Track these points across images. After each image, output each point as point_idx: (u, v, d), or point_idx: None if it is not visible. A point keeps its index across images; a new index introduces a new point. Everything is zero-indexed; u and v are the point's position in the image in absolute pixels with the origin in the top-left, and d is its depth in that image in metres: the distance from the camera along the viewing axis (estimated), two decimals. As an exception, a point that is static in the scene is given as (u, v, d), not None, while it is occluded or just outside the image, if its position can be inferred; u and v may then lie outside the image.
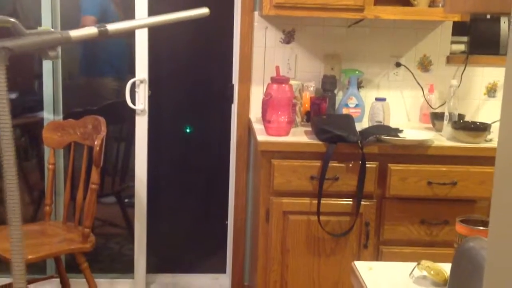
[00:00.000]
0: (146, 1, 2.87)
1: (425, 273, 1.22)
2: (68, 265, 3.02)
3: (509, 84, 0.62)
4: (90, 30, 1.30)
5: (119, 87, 3.17)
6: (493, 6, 0.77)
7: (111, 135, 3.31)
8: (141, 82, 2.96)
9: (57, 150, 2.94)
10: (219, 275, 3.26)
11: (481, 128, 2.51)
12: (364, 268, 1.28)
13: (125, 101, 2.97)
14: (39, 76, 3.12)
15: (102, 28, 1.29)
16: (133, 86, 2.98)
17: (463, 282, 0.88)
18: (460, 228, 1.19)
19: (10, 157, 1.18)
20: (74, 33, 1.26)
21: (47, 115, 3.08)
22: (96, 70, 3.63)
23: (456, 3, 0.92)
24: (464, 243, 0.89)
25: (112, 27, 1.32)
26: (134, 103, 2.99)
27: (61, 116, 3.10)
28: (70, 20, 3.26)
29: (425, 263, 1.23)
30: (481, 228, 1.16)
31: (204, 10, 1.55)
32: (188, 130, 3.54)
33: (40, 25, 3.02)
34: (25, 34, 1.21)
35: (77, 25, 3.34)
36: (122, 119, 3.31)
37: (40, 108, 3.12)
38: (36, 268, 3.04)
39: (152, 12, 2.90)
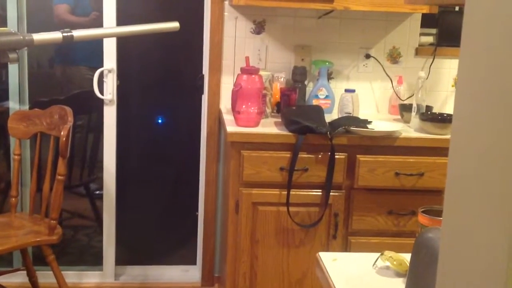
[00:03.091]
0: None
1: (388, 263, 1.24)
2: (36, 258, 2.97)
3: (463, 77, 0.62)
4: (54, 35, 1.28)
5: (89, 76, 3.12)
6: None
7: (79, 125, 3.27)
8: (109, 71, 2.92)
9: (23, 141, 2.89)
10: (189, 267, 3.24)
11: (448, 120, 2.54)
12: (328, 259, 1.28)
13: (93, 91, 2.92)
14: (5, 65, 3.05)
15: (67, 34, 1.27)
16: (101, 75, 2.94)
17: (421, 271, 0.89)
18: (422, 218, 1.20)
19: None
20: (37, 37, 1.24)
21: (13, 105, 3.02)
22: (65, 59, 3.57)
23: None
24: (423, 234, 0.90)
25: (78, 33, 1.30)
26: (102, 93, 2.95)
27: (27, 106, 3.04)
28: (41, 8, 3.20)
29: (388, 253, 1.24)
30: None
31: (174, 24, 1.54)
32: (158, 121, 3.51)
33: (6, 12, 2.96)
34: None
35: (49, 13, 3.28)
36: (90, 109, 3.26)
37: (6, 97, 3.05)
38: (2, 261, 2.99)
39: (120, 3, 2.86)
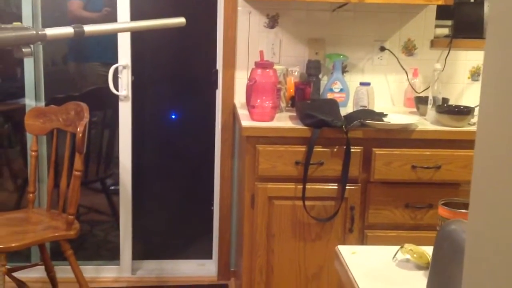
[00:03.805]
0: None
1: (408, 256, 1.23)
2: (53, 253, 3.00)
3: (488, 68, 0.61)
4: (66, 30, 1.31)
5: (103, 73, 3.14)
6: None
7: (95, 121, 3.29)
8: (124, 67, 2.93)
9: (40, 137, 2.92)
10: (205, 261, 3.26)
11: (465, 112, 2.52)
12: (348, 252, 1.28)
13: (108, 87, 2.93)
14: (21, 63, 3.08)
15: (79, 29, 1.30)
16: (116, 72, 2.95)
17: (444, 264, 0.88)
18: (442, 211, 1.19)
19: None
20: (50, 32, 1.27)
21: (29, 102, 3.04)
22: (80, 56, 3.58)
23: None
24: (446, 226, 0.90)
25: (88, 28, 1.32)
26: (117, 89, 2.96)
27: (43, 103, 3.06)
28: (56, 6, 3.22)
29: (408, 246, 1.23)
30: (464, 211, 1.16)
31: (180, 20, 1.57)
32: (173, 116, 3.52)
33: (21, 10, 2.98)
34: None
35: (64, 11, 3.30)
36: (105, 105, 3.27)
37: (22, 94, 3.08)
38: (20, 256, 3.02)
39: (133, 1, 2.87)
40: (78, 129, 2.45)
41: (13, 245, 2.36)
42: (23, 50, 1.24)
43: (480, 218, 0.62)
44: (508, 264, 0.56)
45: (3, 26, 1.22)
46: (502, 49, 0.60)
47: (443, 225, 0.92)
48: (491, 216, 0.60)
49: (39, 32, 1.25)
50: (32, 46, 1.26)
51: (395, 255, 1.25)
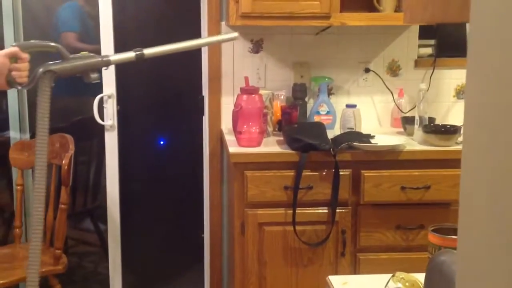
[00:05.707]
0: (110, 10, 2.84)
1: (400, 285, 1.21)
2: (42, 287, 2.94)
3: (470, 89, 0.60)
4: (128, 55, 1.43)
5: (89, 103, 3.11)
6: (451, 16, 0.76)
7: (81, 152, 3.25)
8: (109, 97, 2.91)
9: (26, 170, 2.88)
10: (198, 290, 3.21)
11: (452, 131, 2.52)
12: (339, 283, 1.26)
13: (94, 117, 2.91)
14: (5, 94, 3.05)
15: (139, 53, 1.41)
16: (101, 101, 2.93)
17: (436, 297, 0.87)
18: (432, 237, 1.17)
19: (42, 174, 1.28)
20: (113, 58, 1.39)
21: (14, 134, 3.01)
22: (66, 86, 3.56)
23: (415, 13, 0.92)
24: (435, 257, 0.88)
25: (148, 51, 1.43)
26: (103, 119, 2.93)
27: (27, 135, 3.03)
28: (49, 37, 3.23)
29: (399, 274, 1.21)
30: (454, 237, 1.15)
31: (234, 35, 1.74)
32: (161, 143, 3.50)
33: (3, 40, 2.98)
34: (68, 58, 1.36)
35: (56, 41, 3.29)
36: (91, 135, 3.25)
37: (7, 127, 3.05)
38: (8, 293, 2.96)
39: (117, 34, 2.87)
40: (64, 162, 2.42)
41: (0, 282, 2.31)
42: (91, 75, 1.37)
43: (469, 251, 0.61)
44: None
45: (71, 56, 1.35)
46: (483, 69, 0.58)
47: (432, 257, 0.90)
48: (480, 249, 0.59)
49: (104, 59, 1.37)
50: (97, 71, 1.41)
51: (387, 284, 1.22)
